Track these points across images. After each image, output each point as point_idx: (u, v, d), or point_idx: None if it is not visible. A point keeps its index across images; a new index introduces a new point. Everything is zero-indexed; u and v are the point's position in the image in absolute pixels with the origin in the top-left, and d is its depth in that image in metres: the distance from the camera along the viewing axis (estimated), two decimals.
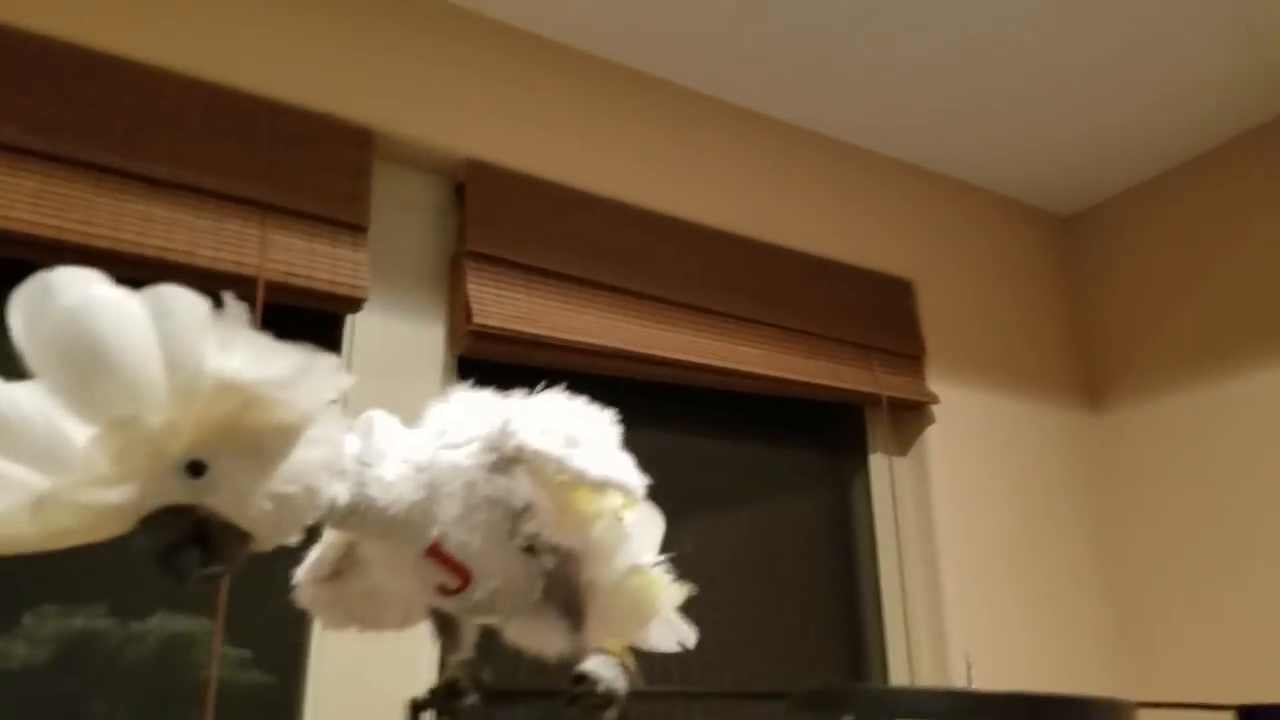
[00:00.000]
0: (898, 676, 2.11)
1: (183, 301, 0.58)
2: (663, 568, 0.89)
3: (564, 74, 2.01)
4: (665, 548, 0.92)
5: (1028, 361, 2.49)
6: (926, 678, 2.10)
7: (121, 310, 0.56)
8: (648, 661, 0.87)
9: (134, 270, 1.42)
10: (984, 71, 2.13)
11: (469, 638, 0.86)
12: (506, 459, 0.76)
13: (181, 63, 1.59)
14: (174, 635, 1.47)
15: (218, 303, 0.60)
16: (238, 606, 1.43)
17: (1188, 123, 2.32)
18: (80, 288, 0.56)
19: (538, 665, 0.85)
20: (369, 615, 0.85)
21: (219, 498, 0.62)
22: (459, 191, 1.83)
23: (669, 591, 0.89)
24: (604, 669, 0.79)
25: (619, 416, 0.82)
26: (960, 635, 2.10)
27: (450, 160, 1.82)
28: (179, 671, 1.47)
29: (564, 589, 0.81)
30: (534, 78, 1.96)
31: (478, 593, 0.78)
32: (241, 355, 0.60)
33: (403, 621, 0.87)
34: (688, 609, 0.94)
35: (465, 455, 0.76)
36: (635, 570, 0.86)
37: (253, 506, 0.63)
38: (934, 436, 2.24)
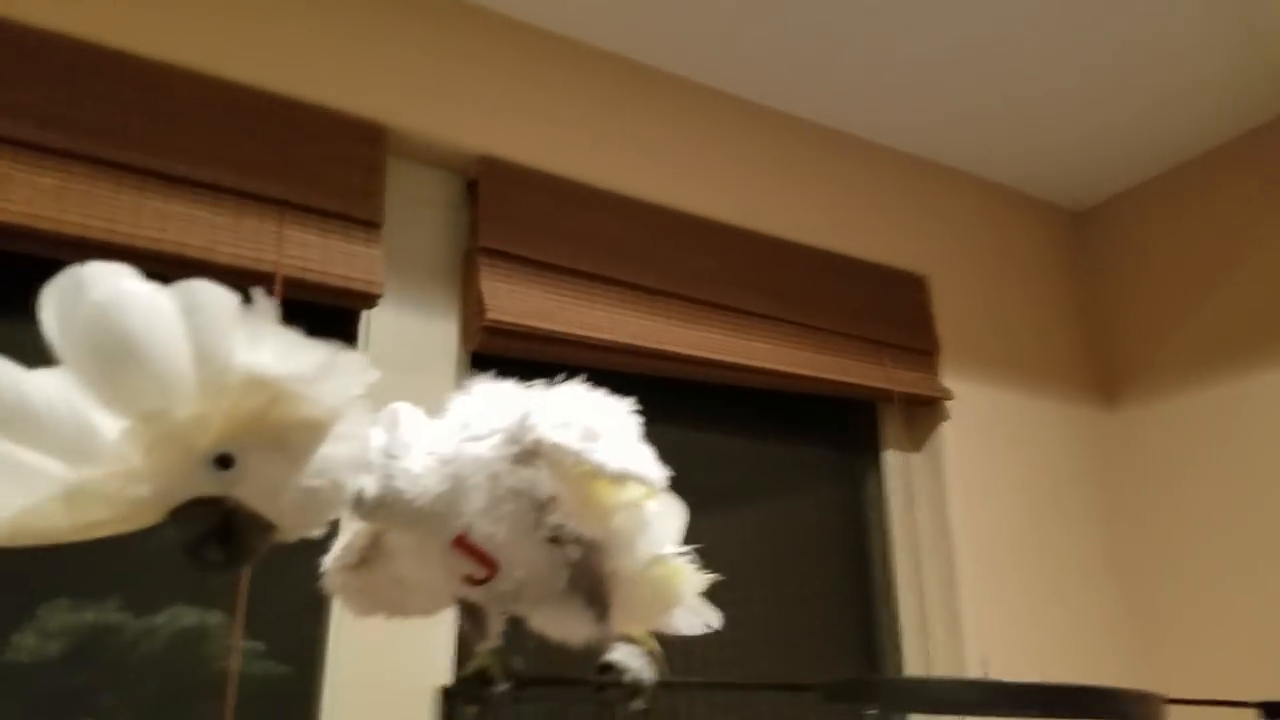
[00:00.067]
0: (913, 672, 2.11)
1: (212, 296, 0.59)
2: (686, 557, 0.89)
3: (576, 70, 2.01)
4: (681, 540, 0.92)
5: (1042, 357, 2.49)
6: (941, 674, 2.09)
7: (152, 305, 0.57)
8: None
9: (154, 266, 1.40)
10: (996, 66, 2.13)
11: (496, 626, 0.87)
12: (527, 451, 0.76)
13: (198, 60, 1.59)
14: (188, 628, 1.48)
15: (244, 298, 0.60)
16: (253, 599, 1.44)
17: (1201, 117, 2.32)
18: (111, 283, 0.57)
19: (545, 655, 0.85)
20: (395, 602, 0.86)
21: (246, 490, 0.63)
22: (471, 187, 1.83)
23: (692, 579, 0.90)
24: (631, 659, 0.79)
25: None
26: (975, 631, 2.10)
27: (462, 156, 1.82)
28: (194, 664, 1.47)
29: (589, 579, 0.82)
30: (546, 74, 1.96)
31: (504, 583, 0.78)
32: (270, 350, 0.60)
33: (428, 609, 0.88)
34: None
35: (489, 447, 0.77)
36: (658, 560, 0.87)
37: (279, 499, 0.64)
38: (948, 433, 2.24)
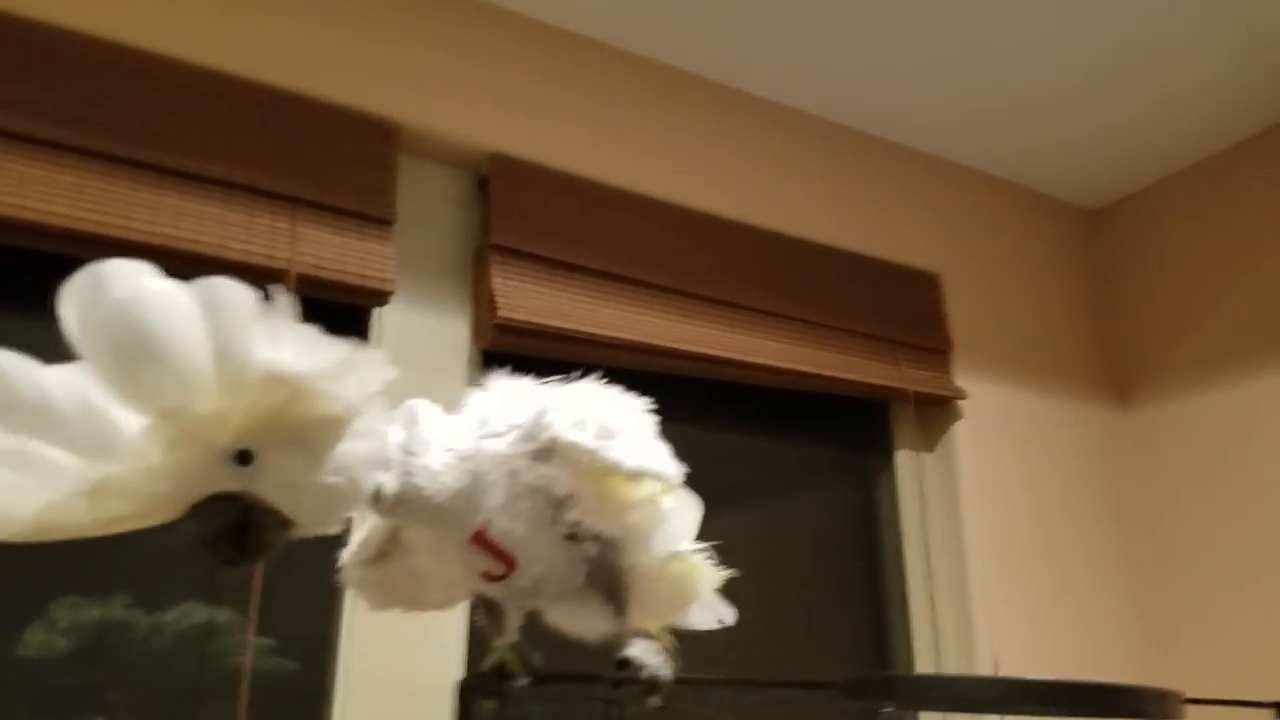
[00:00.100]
0: (924, 672, 2.10)
1: (232, 293, 0.59)
2: (702, 553, 0.89)
3: (589, 68, 2.01)
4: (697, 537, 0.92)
5: (1055, 357, 2.48)
6: (954, 673, 2.09)
7: (172, 302, 0.57)
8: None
9: (168, 263, 1.40)
10: (1011, 63, 2.12)
11: (514, 622, 0.87)
12: (544, 448, 0.76)
13: (213, 58, 1.60)
14: (198, 625, 1.48)
15: (264, 295, 0.61)
16: (263, 595, 1.44)
17: (1216, 116, 2.31)
18: (132, 280, 0.57)
19: (547, 651, 0.85)
20: (412, 596, 0.86)
21: (265, 486, 0.63)
22: (483, 185, 1.83)
23: (709, 575, 0.90)
24: (648, 655, 0.79)
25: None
26: (986, 631, 2.09)
27: (474, 154, 1.83)
28: (204, 662, 1.48)
29: (607, 575, 0.82)
30: (558, 71, 1.96)
31: (522, 579, 0.79)
32: (289, 347, 0.61)
33: (444, 602, 0.88)
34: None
35: (506, 444, 0.77)
36: (675, 556, 0.87)
37: (298, 495, 0.65)
38: (960, 432, 2.23)
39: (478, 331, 1.75)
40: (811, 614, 2.06)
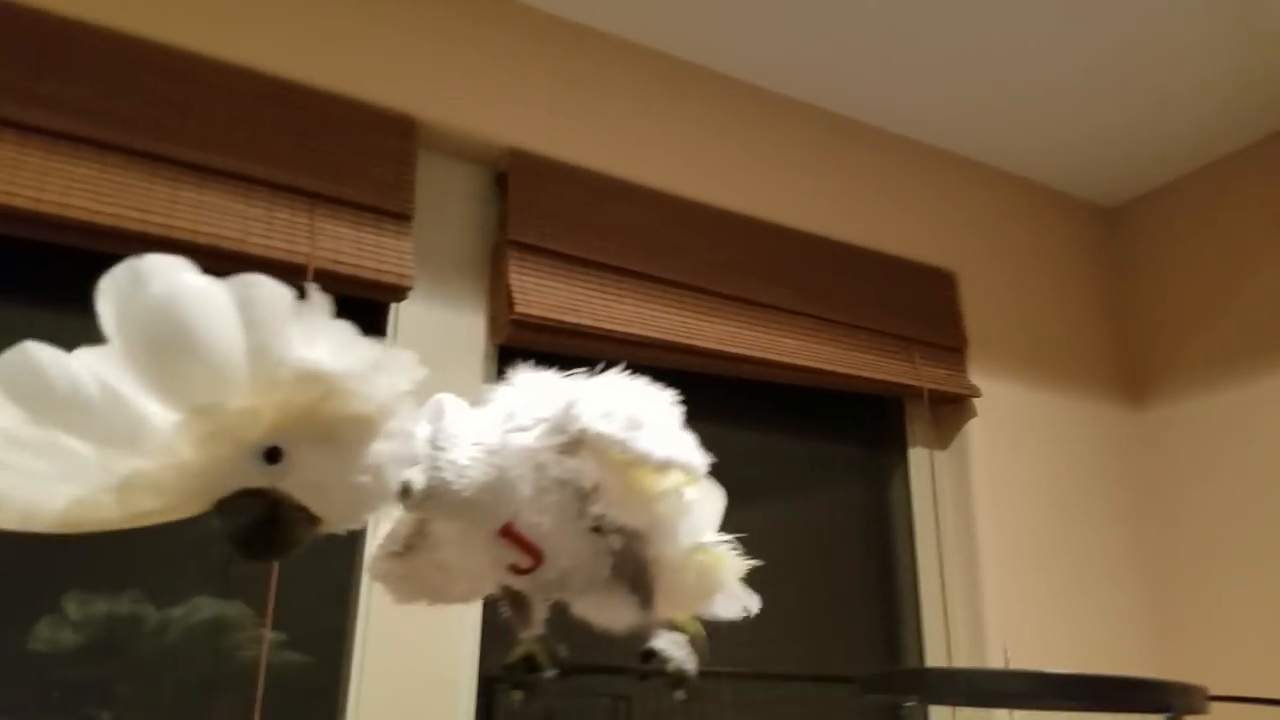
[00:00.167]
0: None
1: (267, 291, 0.59)
2: (727, 544, 0.90)
3: (607, 64, 2.01)
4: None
5: (1070, 355, 2.47)
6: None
7: (209, 299, 0.57)
8: None
9: (188, 258, 1.43)
10: (1027, 61, 2.11)
11: (540, 614, 0.87)
12: (573, 441, 0.76)
13: (231, 53, 1.60)
14: (211, 620, 1.48)
15: (299, 293, 0.61)
16: (277, 590, 1.44)
17: (1231, 116, 2.30)
18: (170, 276, 0.57)
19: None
20: (437, 588, 0.86)
21: (293, 483, 0.63)
22: (500, 181, 1.84)
23: (733, 565, 0.90)
24: (674, 648, 0.79)
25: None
26: (999, 630, 2.09)
27: (492, 149, 1.83)
28: (213, 656, 1.48)
29: (632, 566, 0.82)
30: (576, 67, 1.96)
31: (549, 572, 0.79)
32: (323, 346, 0.61)
33: (469, 595, 0.89)
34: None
35: (534, 438, 0.77)
36: (700, 547, 0.87)
37: (326, 493, 0.65)
38: (975, 430, 2.23)
39: (494, 327, 1.76)
40: (824, 610, 2.06)
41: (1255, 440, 2.25)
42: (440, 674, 1.56)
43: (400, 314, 1.69)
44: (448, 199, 1.81)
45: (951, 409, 2.26)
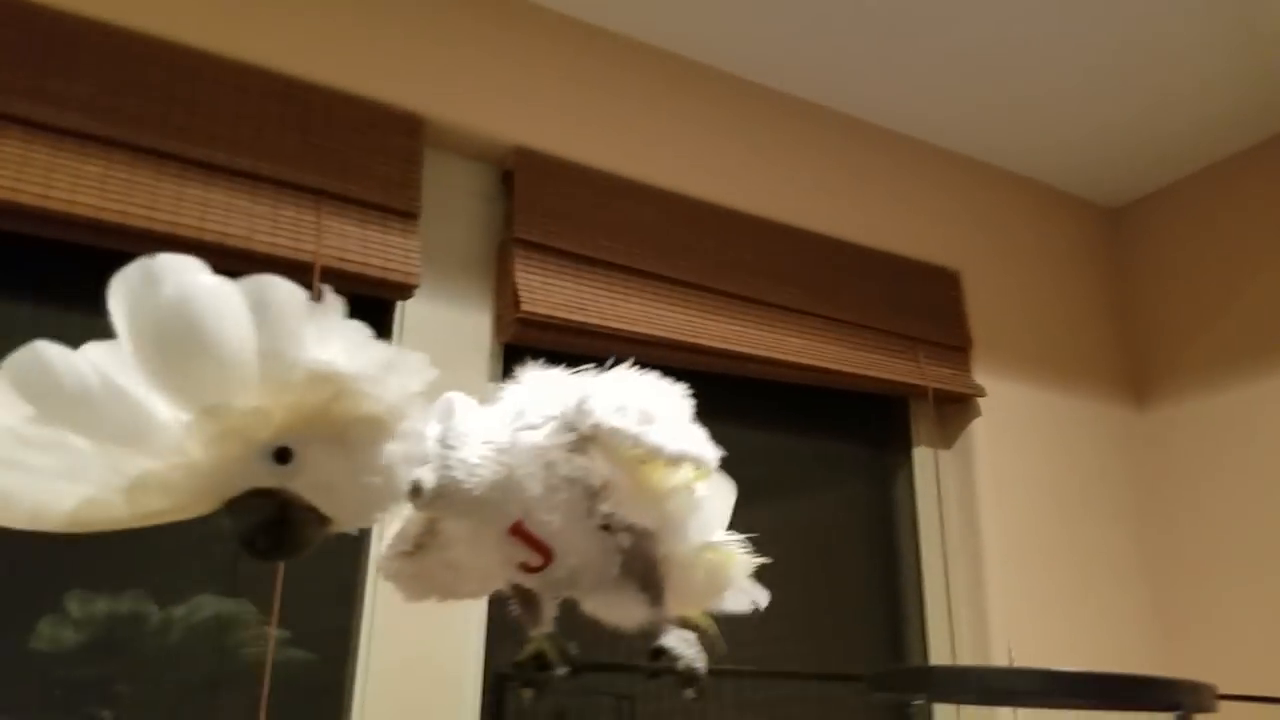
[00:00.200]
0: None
1: (281, 292, 0.59)
2: (737, 543, 0.90)
3: (613, 62, 2.01)
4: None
5: (1074, 355, 2.47)
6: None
7: (221, 299, 0.57)
8: None
9: (195, 256, 1.43)
10: (1032, 61, 2.11)
11: (549, 612, 0.87)
12: (583, 438, 0.76)
13: (238, 49, 1.61)
14: (215, 617, 1.48)
15: (314, 294, 0.61)
16: (272, 587, 1.44)
17: (1237, 115, 2.30)
18: (184, 276, 0.57)
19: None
20: (447, 586, 0.86)
21: (303, 483, 0.63)
22: (506, 179, 1.84)
23: (742, 563, 0.90)
24: (684, 646, 0.79)
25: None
26: (1002, 628, 2.09)
27: (498, 148, 1.83)
28: (215, 655, 1.48)
29: (642, 564, 0.82)
30: (583, 66, 1.96)
31: (559, 570, 0.79)
32: (336, 347, 0.61)
33: (479, 592, 0.89)
34: None
35: (543, 436, 0.77)
36: (710, 546, 0.87)
37: (336, 493, 0.65)
38: (979, 430, 2.23)
39: (500, 325, 1.76)
40: (828, 609, 2.06)
41: (1259, 439, 2.25)
42: (446, 672, 1.56)
43: (406, 312, 1.69)
44: (454, 197, 1.81)
45: (956, 408, 2.26)
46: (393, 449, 0.67)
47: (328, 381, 0.61)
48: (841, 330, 2.08)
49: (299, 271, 1.49)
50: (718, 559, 0.88)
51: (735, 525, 0.94)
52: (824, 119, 2.26)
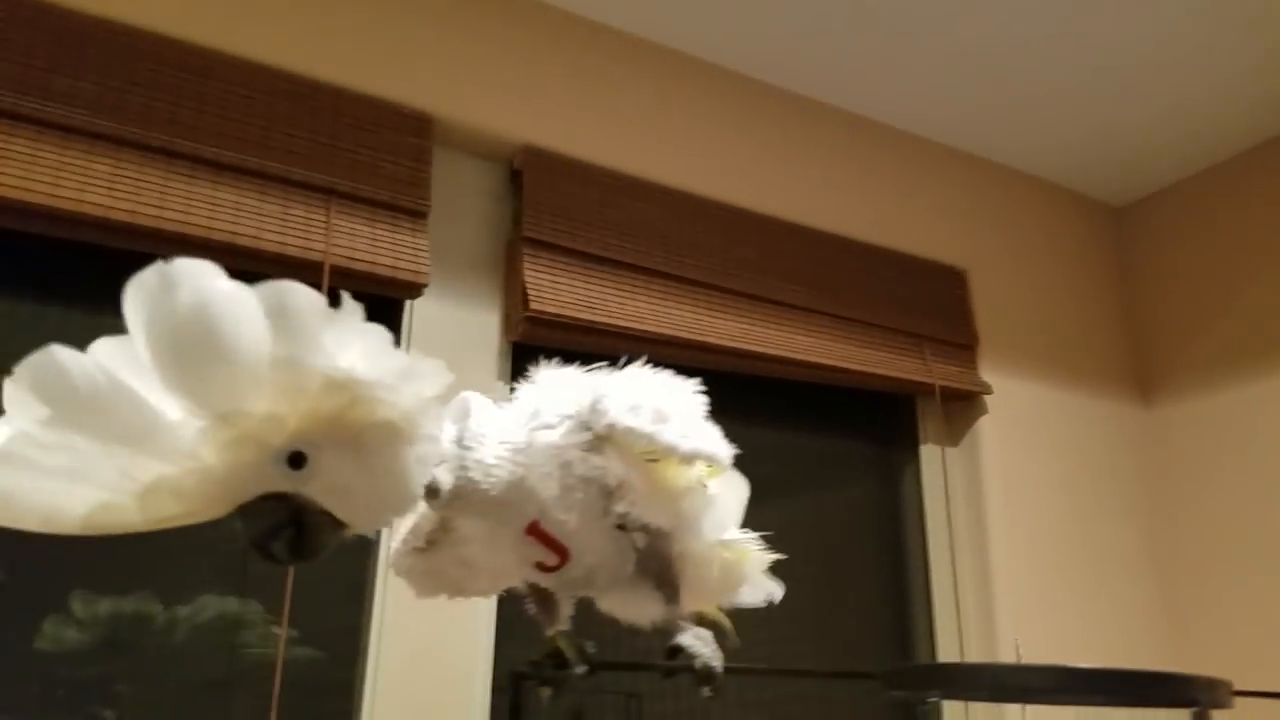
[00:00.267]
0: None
1: (300, 298, 0.59)
2: (751, 540, 0.90)
3: (621, 61, 2.01)
4: None
5: (1080, 353, 2.47)
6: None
7: (239, 305, 0.57)
8: None
9: (204, 255, 1.42)
10: (1038, 59, 2.11)
11: (566, 611, 0.87)
12: (599, 437, 0.76)
13: (248, 48, 1.61)
14: (212, 619, 1.48)
15: (332, 299, 0.60)
16: (279, 586, 1.44)
17: (1244, 113, 2.29)
18: (201, 281, 0.56)
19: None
20: (458, 583, 0.86)
21: (316, 488, 0.63)
22: (515, 177, 1.84)
23: (757, 558, 0.90)
24: (700, 644, 0.79)
25: None
26: (1010, 625, 2.09)
27: (507, 146, 1.83)
28: (220, 654, 1.48)
29: (657, 562, 0.82)
30: (591, 64, 1.96)
31: (575, 569, 0.79)
32: (353, 353, 0.60)
33: (489, 590, 0.89)
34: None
35: (559, 435, 0.77)
36: (724, 543, 0.87)
37: (350, 498, 0.65)
38: (985, 427, 2.23)
39: (508, 324, 1.76)
40: (836, 606, 2.06)
41: (1268, 435, 2.25)
42: (455, 670, 1.56)
43: (415, 311, 1.69)
44: (463, 195, 1.81)
45: (963, 405, 2.26)
46: (408, 453, 0.67)
47: (344, 388, 0.61)
48: (848, 328, 2.08)
49: (308, 270, 1.49)
50: (732, 556, 0.88)
51: (744, 522, 0.94)
52: (831, 117, 2.26)
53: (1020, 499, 2.21)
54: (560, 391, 0.80)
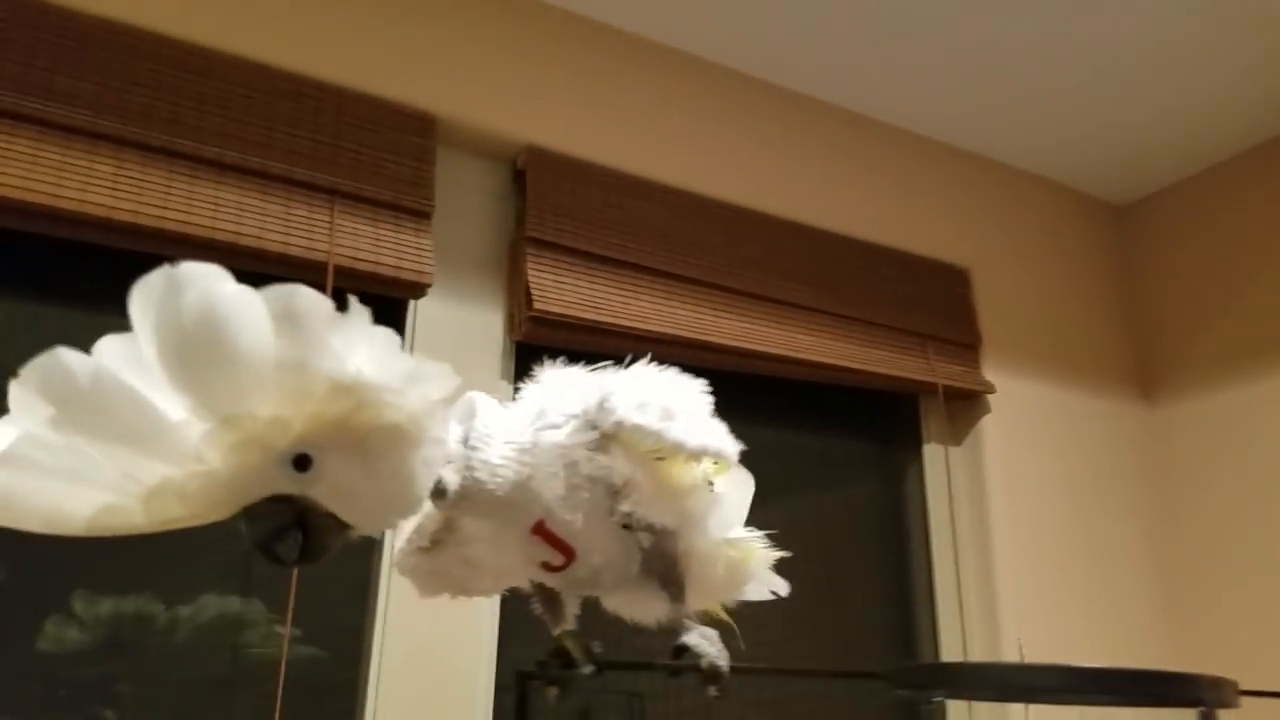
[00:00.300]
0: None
1: (307, 301, 0.59)
2: (756, 538, 0.90)
3: (625, 61, 2.01)
4: None
5: (1083, 352, 2.47)
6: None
7: (245, 308, 0.57)
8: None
9: (207, 255, 1.42)
10: (1040, 59, 2.11)
11: (572, 611, 0.87)
12: (605, 436, 0.76)
13: (250, 48, 1.60)
14: (213, 619, 1.48)
15: (339, 302, 0.60)
16: (283, 586, 1.44)
17: (1246, 112, 2.29)
18: (208, 284, 0.56)
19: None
20: (462, 582, 0.86)
21: (321, 490, 0.63)
22: (519, 177, 1.84)
23: (762, 556, 0.91)
24: (706, 644, 0.79)
25: None
26: (1013, 624, 2.09)
27: (510, 146, 1.83)
28: (222, 654, 1.48)
29: (662, 561, 0.82)
30: (595, 64, 1.96)
31: (581, 569, 0.79)
32: (360, 357, 0.60)
33: (493, 589, 0.89)
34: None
35: (565, 435, 0.77)
36: (730, 541, 0.87)
37: (355, 500, 0.65)
38: (988, 426, 2.22)
39: (512, 323, 1.76)
40: (838, 606, 2.06)
41: (1268, 434, 2.25)
42: (459, 669, 1.56)
43: (419, 311, 1.69)
44: (466, 196, 1.81)
45: (966, 405, 2.25)
46: (414, 456, 0.67)
47: (351, 392, 0.61)
48: (851, 327, 2.08)
49: (312, 271, 1.49)
50: (738, 554, 0.88)
51: (747, 522, 0.94)
52: (834, 116, 2.26)
53: (1023, 498, 2.21)
54: (565, 391, 0.80)
